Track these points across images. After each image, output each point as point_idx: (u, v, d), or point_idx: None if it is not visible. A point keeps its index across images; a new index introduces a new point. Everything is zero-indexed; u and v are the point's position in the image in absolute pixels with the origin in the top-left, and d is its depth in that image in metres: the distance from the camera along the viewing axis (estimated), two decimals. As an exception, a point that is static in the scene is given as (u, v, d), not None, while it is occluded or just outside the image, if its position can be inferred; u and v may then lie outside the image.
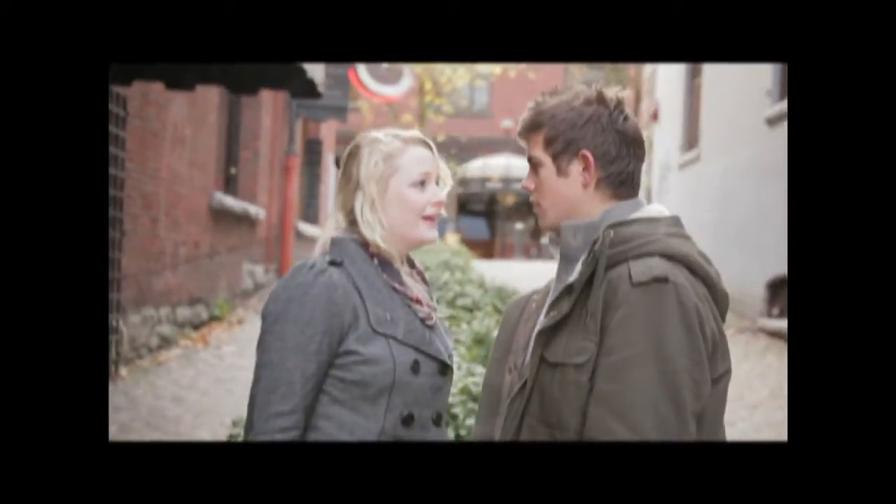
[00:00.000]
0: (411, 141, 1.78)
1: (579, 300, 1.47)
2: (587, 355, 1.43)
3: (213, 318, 7.62)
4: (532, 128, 1.60)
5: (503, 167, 24.73)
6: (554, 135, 1.55)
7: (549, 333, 1.49)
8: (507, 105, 25.51)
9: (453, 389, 3.65)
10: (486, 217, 26.37)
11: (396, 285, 1.72)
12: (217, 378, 5.91)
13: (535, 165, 1.60)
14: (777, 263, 7.76)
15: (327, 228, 1.79)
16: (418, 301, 1.74)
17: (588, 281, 1.47)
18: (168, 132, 6.52)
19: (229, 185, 8.89)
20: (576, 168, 1.55)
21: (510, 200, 26.98)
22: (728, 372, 1.48)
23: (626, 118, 1.56)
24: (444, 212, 1.81)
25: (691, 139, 11.28)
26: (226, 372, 5.98)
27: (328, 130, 13.99)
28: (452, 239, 20.39)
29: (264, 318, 1.67)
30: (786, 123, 7.72)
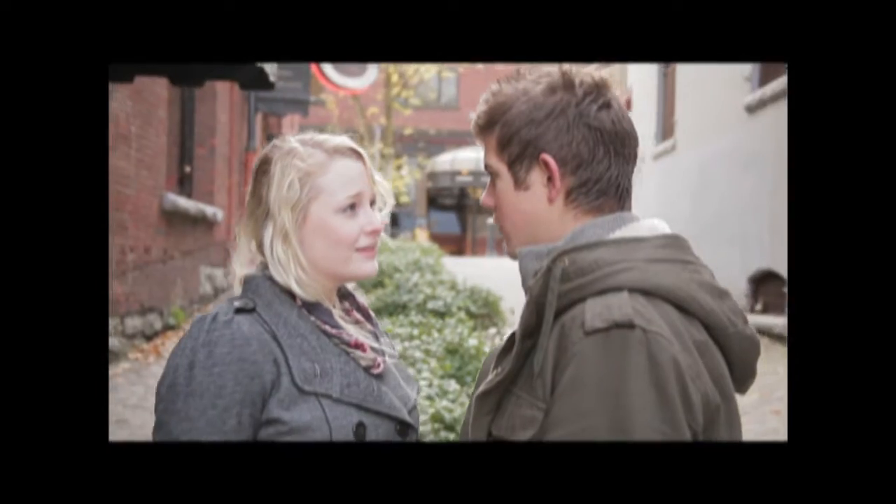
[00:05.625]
0: (338, 152, 1.36)
1: (529, 354, 1.10)
2: (532, 429, 1.06)
3: (168, 328, 7.15)
4: (484, 127, 1.21)
5: (473, 160, 24.40)
6: (507, 135, 1.17)
7: (495, 397, 1.13)
8: (475, 97, 24.97)
9: (422, 416, 3.24)
10: (457, 211, 26.04)
11: (328, 328, 1.33)
12: (168, 396, 5.45)
13: (492, 176, 1.21)
14: (759, 256, 7.47)
15: (240, 262, 1.37)
16: (359, 346, 1.34)
17: (536, 327, 1.09)
18: (110, 129, 6.02)
19: (183, 184, 8.40)
20: (537, 177, 1.17)
21: (481, 194, 26.60)
22: None
23: (601, 107, 1.16)
24: (384, 236, 1.40)
25: (666, 129, 11.00)
26: (178, 388, 5.51)
27: (290, 125, 13.52)
28: (422, 235, 20.02)
29: (160, 395, 1.27)
30: (765, 111, 7.42)
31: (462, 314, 6.11)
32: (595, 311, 1.05)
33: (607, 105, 1.17)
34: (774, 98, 7.18)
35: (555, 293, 1.07)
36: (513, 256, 1.23)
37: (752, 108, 7.73)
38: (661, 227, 1.18)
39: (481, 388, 1.15)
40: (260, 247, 1.36)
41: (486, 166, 1.22)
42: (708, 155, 8.96)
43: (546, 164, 1.16)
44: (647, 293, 1.07)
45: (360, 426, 1.28)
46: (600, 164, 1.16)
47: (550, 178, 1.16)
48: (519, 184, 1.18)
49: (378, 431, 1.30)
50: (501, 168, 1.19)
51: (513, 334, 1.14)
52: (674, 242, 1.15)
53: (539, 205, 1.17)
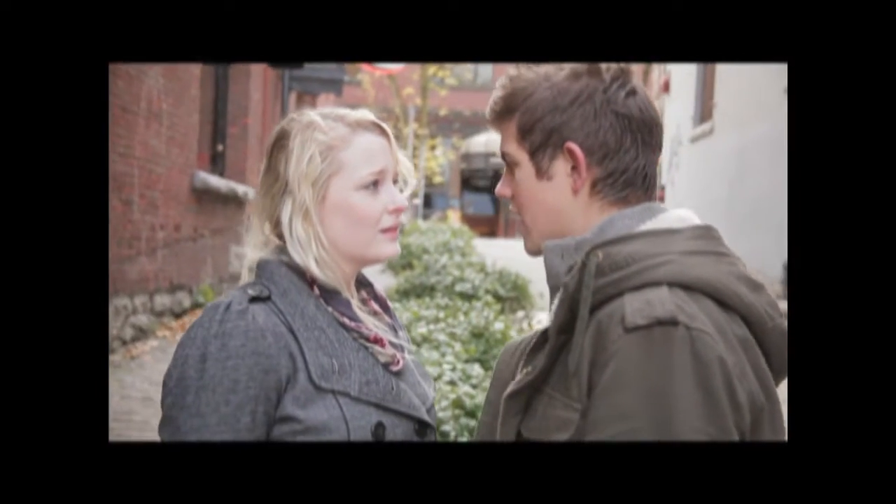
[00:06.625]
0: (360, 126, 1.29)
1: (560, 351, 1.05)
2: (569, 431, 1.01)
3: (197, 306, 7.19)
4: (502, 113, 1.15)
5: (507, 142, 24.21)
6: (529, 122, 1.12)
7: (524, 398, 1.08)
8: (511, 78, 24.86)
9: (443, 402, 3.18)
10: (490, 193, 25.91)
11: (347, 321, 1.26)
12: (195, 373, 5.48)
13: (510, 165, 1.16)
14: (797, 244, 7.29)
15: (253, 244, 1.31)
16: (378, 341, 1.27)
17: (570, 324, 1.04)
18: (142, 107, 6.03)
19: (216, 163, 8.42)
20: (561, 167, 1.12)
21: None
22: None
23: (629, 94, 1.12)
24: (404, 218, 1.34)
25: (705, 112, 10.78)
26: (205, 366, 5.54)
27: (324, 105, 13.50)
28: (454, 216, 19.96)
29: (168, 388, 1.20)
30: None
31: (489, 297, 6.05)
32: (635, 307, 0.99)
33: (634, 92, 1.12)
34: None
35: (590, 289, 1.02)
36: (532, 251, 1.18)
37: (793, 91, 7.53)
38: (691, 217, 1.13)
39: (510, 387, 1.10)
40: (275, 228, 1.29)
41: (504, 155, 1.16)
42: (747, 139, 8.77)
43: (571, 154, 1.10)
44: (687, 287, 1.02)
45: (380, 426, 1.22)
46: (627, 154, 1.11)
47: (575, 168, 1.11)
48: (541, 174, 1.13)
49: (396, 432, 1.24)
50: (522, 157, 1.13)
51: (544, 331, 1.08)
52: (707, 233, 1.10)
53: (562, 196, 1.12)
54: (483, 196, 25.82)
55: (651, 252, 1.04)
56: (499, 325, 4.94)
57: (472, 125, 24.22)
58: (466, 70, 24.01)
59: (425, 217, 19.21)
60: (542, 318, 7.04)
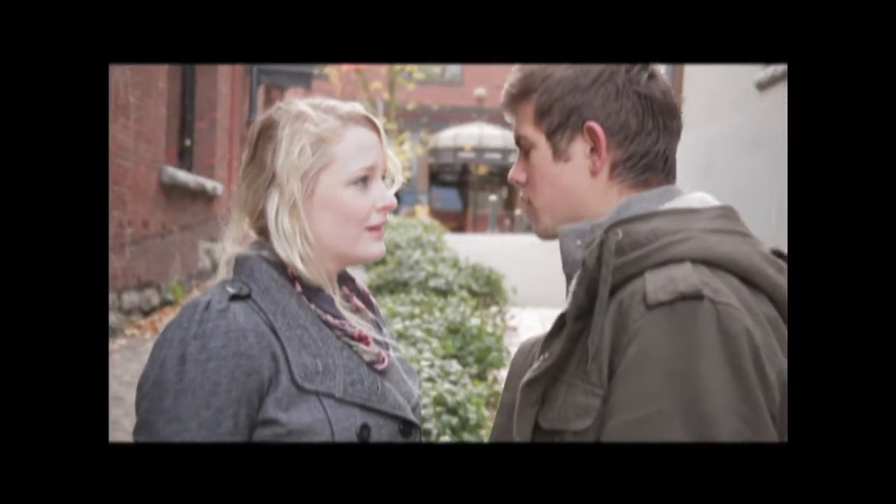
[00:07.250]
0: (352, 119, 1.24)
1: (579, 336, 1.01)
2: (590, 417, 0.98)
3: (165, 303, 7.07)
4: (519, 95, 1.12)
5: (476, 137, 24.24)
6: (548, 102, 1.09)
7: (541, 386, 1.04)
8: (480, 73, 24.89)
9: (424, 399, 3.15)
10: (459, 188, 25.93)
11: (330, 318, 1.22)
12: (165, 372, 5.38)
13: (524, 148, 1.12)
14: (767, 236, 7.35)
15: (230, 238, 1.26)
16: (362, 339, 1.23)
17: (589, 307, 1.00)
18: (108, 101, 5.90)
19: (183, 158, 8.28)
20: (580, 148, 1.09)
21: (483, 171, 26.49)
22: None
23: (650, 76, 1.10)
24: (390, 217, 1.31)
25: (673, 106, 10.85)
26: (175, 365, 5.44)
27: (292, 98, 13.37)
28: (422, 211, 19.93)
29: (144, 392, 1.15)
30: (777, 88, 7.29)
31: (464, 293, 6.02)
32: (657, 284, 0.96)
33: (654, 75, 1.10)
34: (787, 75, 7.04)
35: (609, 268, 0.98)
36: (544, 235, 1.14)
37: (763, 86, 7.59)
38: (710, 199, 1.10)
39: (528, 375, 1.06)
40: (256, 221, 1.24)
41: (519, 138, 1.13)
42: (716, 133, 8.84)
43: (592, 133, 1.08)
44: (711, 264, 0.98)
45: (365, 428, 1.18)
46: (649, 137, 1.08)
47: (594, 149, 1.08)
48: (559, 155, 1.10)
49: (381, 433, 1.20)
50: (538, 138, 1.10)
51: (561, 317, 1.04)
52: (729, 213, 1.07)
53: (581, 178, 1.09)
54: (451, 191, 25.82)
55: (673, 229, 1.01)
56: (475, 321, 4.91)
57: (440, 119, 24.17)
58: (434, 64, 23.94)
59: (394, 212, 19.19)
60: (516, 314, 7.03)
